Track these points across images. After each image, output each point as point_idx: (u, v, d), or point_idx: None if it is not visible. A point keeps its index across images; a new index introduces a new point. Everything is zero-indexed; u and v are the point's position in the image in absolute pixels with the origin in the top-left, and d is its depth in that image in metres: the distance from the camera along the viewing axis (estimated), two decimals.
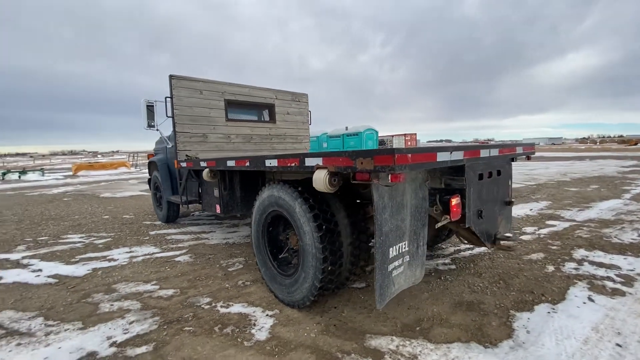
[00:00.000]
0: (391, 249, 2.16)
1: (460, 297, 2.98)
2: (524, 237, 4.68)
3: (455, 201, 2.37)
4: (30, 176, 20.17)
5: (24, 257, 4.49)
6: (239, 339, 2.42)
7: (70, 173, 21.83)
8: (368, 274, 3.51)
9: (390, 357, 2.16)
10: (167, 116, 4.82)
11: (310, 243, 2.48)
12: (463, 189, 2.43)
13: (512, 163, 3.24)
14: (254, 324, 2.62)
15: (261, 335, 2.47)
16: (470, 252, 4.14)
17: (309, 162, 2.31)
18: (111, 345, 2.40)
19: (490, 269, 3.58)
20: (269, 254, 3.07)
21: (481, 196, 2.67)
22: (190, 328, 2.59)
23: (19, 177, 19.95)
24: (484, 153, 2.58)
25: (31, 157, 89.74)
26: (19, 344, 2.45)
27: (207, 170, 3.87)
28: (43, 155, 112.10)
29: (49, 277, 3.76)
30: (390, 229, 2.14)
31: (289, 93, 6.30)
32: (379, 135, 15.80)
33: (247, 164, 2.98)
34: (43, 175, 20.53)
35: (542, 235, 4.75)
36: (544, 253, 4.02)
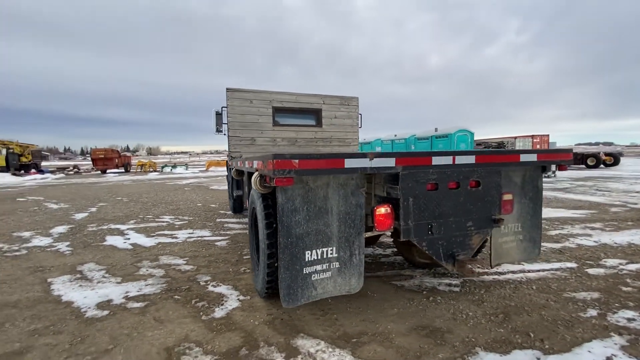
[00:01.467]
0: (307, 252, 2.20)
1: (431, 321, 2.66)
2: (591, 271, 3.64)
3: (381, 211, 2.19)
4: (178, 169, 26.01)
5: (128, 229, 6.11)
6: (201, 313, 2.85)
7: (204, 168, 27.13)
8: None
9: (301, 358, 2.21)
10: (223, 123, 5.73)
11: (262, 239, 2.71)
12: (397, 198, 2.22)
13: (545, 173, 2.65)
14: (222, 304, 3.01)
15: (219, 313, 2.84)
16: (495, 277, 3.51)
17: (255, 164, 2.55)
18: (123, 297, 3.19)
19: (501, 299, 3.00)
20: (254, 246, 3.41)
21: (430, 208, 2.34)
22: (178, 297, 3.18)
23: (171, 170, 26.02)
24: (437, 160, 2.27)
25: (189, 154, 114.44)
26: (80, 285, 3.51)
27: (234, 170, 4.50)
28: (197, 154, 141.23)
29: (130, 244, 5.06)
30: (305, 232, 2.18)
31: (338, 97, 6.47)
32: (475, 137, 14.05)
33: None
34: (186, 170, 26.17)
35: (623, 272, 3.59)
36: (603, 294, 3.08)
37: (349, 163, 2.04)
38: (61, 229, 6.20)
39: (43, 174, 23.67)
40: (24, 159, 24.34)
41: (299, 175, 1.96)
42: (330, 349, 2.30)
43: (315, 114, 6.40)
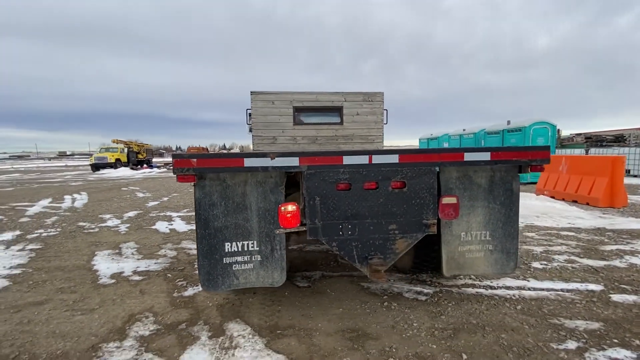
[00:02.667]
0: (227, 243, 2.40)
1: (367, 326, 2.58)
2: (616, 297, 2.92)
3: (288, 209, 2.22)
4: None
5: (177, 216, 7.16)
6: (175, 290, 3.30)
7: None
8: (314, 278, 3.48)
9: (221, 340, 2.43)
10: (247, 124, 6.23)
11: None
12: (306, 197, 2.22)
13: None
14: (197, 285, 3.41)
15: (188, 293, 3.24)
16: (481, 290, 3.12)
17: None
18: (132, 271, 3.87)
19: (464, 315, 2.70)
20: None
21: (341, 208, 2.24)
22: (170, 275, 3.71)
23: None
24: (350, 160, 2.19)
25: None
26: (112, 259, 4.37)
27: None
28: None
29: (169, 229, 5.97)
30: (224, 225, 2.38)
31: (361, 94, 6.35)
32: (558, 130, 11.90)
33: None
34: None
35: None
36: (606, 326, 2.50)
37: (249, 162, 2.15)
38: (132, 213, 7.62)
39: (152, 168, 28.68)
40: (140, 156, 29.89)
41: (198, 173, 2.17)
42: (250, 336, 2.46)
43: (336, 112, 6.41)
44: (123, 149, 27.66)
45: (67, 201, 9.71)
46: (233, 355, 2.24)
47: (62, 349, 2.35)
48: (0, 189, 13.31)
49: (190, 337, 2.47)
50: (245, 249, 2.42)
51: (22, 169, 32.38)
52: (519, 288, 3.19)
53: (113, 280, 3.60)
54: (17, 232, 5.86)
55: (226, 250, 2.41)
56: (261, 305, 2.95)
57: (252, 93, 6.05)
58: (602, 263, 3.81)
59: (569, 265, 3.78)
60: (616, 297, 2.95)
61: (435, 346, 2.31)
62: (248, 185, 2.38)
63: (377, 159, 2.25)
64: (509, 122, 12.23)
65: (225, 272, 2.44)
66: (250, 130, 6.85)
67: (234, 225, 2.39)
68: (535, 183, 9.78)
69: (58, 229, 6.09)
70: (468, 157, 2.34)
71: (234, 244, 2.41)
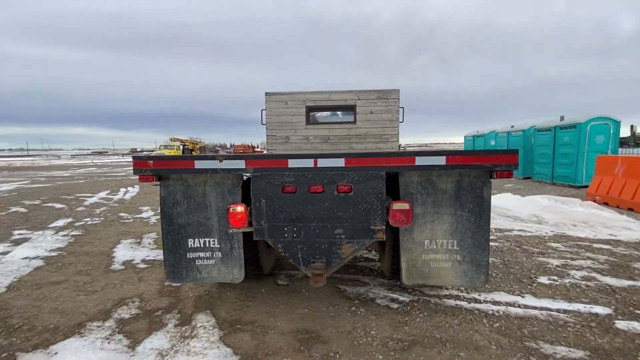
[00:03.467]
0: (190, 239, 2.56)
1: (324, 329, 2.57)
2: (623, 324, 2.53)
3: (235, 209, 2.29)
4: None
5: None
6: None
7: None
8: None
9: (184, 328, 2.61)
10: (262, 124, 6.44)
11: None
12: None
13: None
14: None
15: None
16: (464, 302, 2.91)
17: None
18: (141, 259, 4.27)
19: (431, 328, 2.56)
20: None
21: (286, 211, 2.24)
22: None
23: None
24: (295, 163, 2.19)
25: None
26: (131, 247, 4.86)
27: None
28: None
29: None
30: (187, 222, 2.55)
31: (375, 91, 6.18)
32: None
33: None
34: None
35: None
36: (590, 355, 2.19)
37: (199, 164, 2.26)
38: None
39: None
40: (193, 153, 32.38)
41: (155, 174, 2.34)
42: (211, 328, 2.61)
43: (349, 111, 6.32)
44: (179, 147, 30.19)
45: (120, 194, 10.93)
46: (187, 344, 2.40)
47: (55, 323, 2.72)
48: (75, 182, 15.40)
49: (160, 324, 2.69)
50: (207, 245, 2.57)
51: (99, 163, 37.01)
52: (507, 304, 2.91)
53: (122, 267, 4.03)
54: (69, 220, 6.79)
55: (189, 246, 2.58)
56: (235, 300, 3.09)
57: (266, 94, 6.25)
58: (626, 283, 3.29)
59: (584, 283, 3.33)
60: (622, 324, 2.55)
61: (381, 357, 2.23)
62: (207, 186, 2.51)
63: (323, 163, 2.23)
64: (562, 118, 10.94)
65: (189, 266, 2.61)
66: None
67: (196, 222, 2.55)
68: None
69: (101, 218, 6.92)
70: (420, 161, 2.20)
71: (196, 240, 2.56)
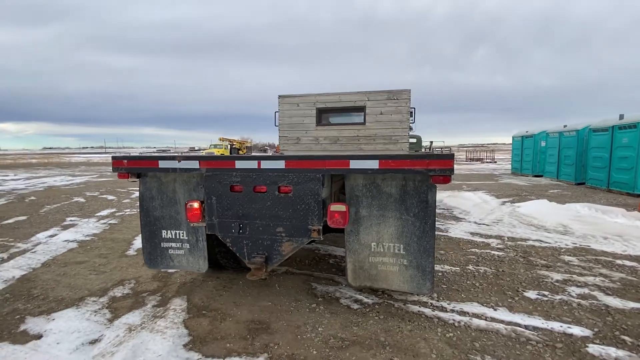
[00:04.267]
0: (164, 231, 2.88)
1: (276, 322, 2.71)
2: (595, 349, 2.29)
3: (192, 205, 2.52)
4: None
5: None
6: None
7: None
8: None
9: (158, 310, 2.93)
10: (275, 125, 6.71)
11: None
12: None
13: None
14: None
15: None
16: (433, 311, 2.84)
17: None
18: None
19: (380, 332, 2.57)
20: None
21: (234, 208, 2.40)
22: None
23: None
24: (241, 164, 2.36)
25: None
26: None
27: None
28: None
29: None
30: (161, 215, 2.86)
31: (385, 92, 6.09)
32: None
33: None
34: None
35: None
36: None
37: (162, 164, 2.54)
38: None
39: None
40: (240, 152, 34.22)
41: (129, 172, 2.66)
42: (180, 311, 2.90)
43: (359, 112, 6.31)
44: (227, 146, 32.16)
45: None
46: (154, 323, 2.72)
47: (63, 296, 3.24)
48: None
49: (141, 303, 3.06)
50: (177, 237, 2.86)
51: None
52: (474, 315, 2.78)
53: (135, 253, 4.56)
54: (113, 210, 7.75)
55: (163, 237, 2.89)
56: (212, 288, 3.36)
57: (279, 97, 6.51)
58: (630, 305, 2.91)
59: (577, 301, 3.02)
60: (594, 348, 2.30)
61: (316, 352, 2.31)
62: (177, 183, 2.80)
63: (266, 164, 2.36)
64: (621, 117, 9.63)
65: (162, 254, 2.93)
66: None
67: (168, 216, 2.85)
68: None
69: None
70: (354, 165, 2.22)
71: (168, 232, 2.87)
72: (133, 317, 2.80)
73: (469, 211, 7.16)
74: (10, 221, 6.56)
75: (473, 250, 4.52)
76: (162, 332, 2.57)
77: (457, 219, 6.48)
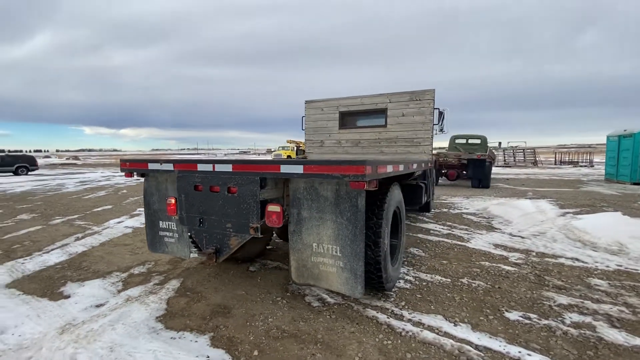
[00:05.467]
0: (160, 221, 3.44)
1: (237, 307, 3.02)
2: None
3: (170, 201, 2.96)
4: None
5: None
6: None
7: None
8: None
9: (159, 287, 3.51)
10: (302, 129, 7.04)
11: None
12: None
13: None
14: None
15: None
16: (380, 314, 2.83)
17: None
18: None
19: (324, 329, 2.67)
20: None
21: (195, 205, 2.74)
22: None
23: None
24: (201, 167, 2.72)
25: None
26: None
27: None
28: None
29: None
30: (158, 208, 3.43)
31: (407, 93, 5.89)
32: None
33: None
34: None
35: None
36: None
37: (151, 166, 3.05)
38: None
39: None
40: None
41: (130, 171, 3.25)
42: (170, 290, 3.42)
43: (380, 114, 6.22)
44: (293, 148, 33.85)
45: None
46: (147, 297, 3.28)
47: (100, 269, 4.08)
48: None
49: (147, 281, 3.69)
50: (169, 227, 3.39)
51: None
52: (427, 328, 2.66)
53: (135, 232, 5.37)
54: None
55: (160, 226, 3.46)
56: (207, 275, 3.84)
57: (305, 102, 6.85)
58: (632, 342, 2.42)
59: (565, 329, 2.63)
60: None
61: (252, 338, 2.55)
62: (168, 182, 3.32)
63: (218, 167, 2.68)
64: None
65: (160, 241, 3.49)
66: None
67: (163, 209, 3.40)
68: None
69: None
70: (284, 169, 2.37)
71: (164, 222, 3.42)
72: (135, 291, 3.42)
73: (512, 221, 6.41)
74: (99, 209, 8.25)
75: (483, 263, 4.15)
76: (148, 304, 3.11)
77: (490, 229, 5.90)
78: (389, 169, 2.75)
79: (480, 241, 5.13)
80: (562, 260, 4.22)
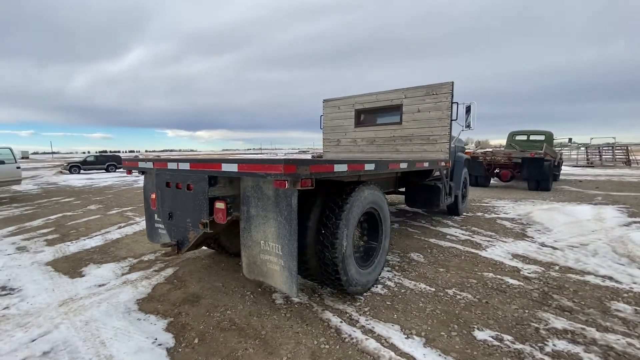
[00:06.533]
0: (155, 214, 3.81)
1: (207, 297, 3.20)
2: None
3: (152, 197, 3.26)
4: None
5: None
6: None
7: None
8: None
9: (155, 272, 3.89)
10: (320, 128, 7.03)
11: None
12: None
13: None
14: None
15: None
16: (334, 318, 2.75)
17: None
18: None
19: (272, 327, 2.71)
20: None
21: (166, 201, 2.95)
22: None
23: None
24: (170, 165, 2.95)
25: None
26: None
27: None
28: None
29: None
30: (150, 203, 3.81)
31: (423, 87, 5.49)
32: None
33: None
34: None
35: None
36: None
37: (140, 164, 3.39)
38: None
39: None
40: None
41: (128, 169, 3.64)
42: (161, 277, 3.77)
43: (395, 111, 5.88)
44: None
45: None
46: (140, 282, 3.66)
47: (120, 255, 4.66)
48: None
49: (148, 267, 4.11)
50: (159, 219, 3.73)
51: None
52: (376, 337, 2.52)
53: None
54: None
55: (155, 219, 3.82)
56: (200, 266, 4.13)
57: (323, 101, 6.87)
58: None
59: (540, 357, 2.24)
60: None
61: (202, 327, 2.70)
62: (154, 179, 3.66)
63: (181, 166, 2.86)
64: None
65: (156, 232, 3.86)
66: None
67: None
68: None
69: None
70: (225, 167, 2.43)
71: (157, 215, 3.78)
72: (134, 275, 3.85)
73: (552, 229, 5.56)
74: None
75: (485, 274, 3.71)
76: (137, 288, 3.48)
77: (520, 237, 5.21)
78: (341, 167, 2.64)
79: (499, 250, 4.57)
80: (588, 278, 3.55)
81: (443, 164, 5.06)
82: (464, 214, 7.09)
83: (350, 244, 2.92)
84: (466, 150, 11.09)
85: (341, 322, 2.73)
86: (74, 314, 2.93)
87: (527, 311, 2.86)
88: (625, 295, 3.14)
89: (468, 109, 5.50)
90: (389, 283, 3.49)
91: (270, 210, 2.53)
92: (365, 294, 3.23)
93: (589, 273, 3.70)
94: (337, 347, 2.41)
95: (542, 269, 3.86)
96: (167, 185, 3.15)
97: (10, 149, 10.96)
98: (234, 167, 2.41)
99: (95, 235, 5.67)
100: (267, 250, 2.64)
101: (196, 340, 2.52)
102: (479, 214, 7.15)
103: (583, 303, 3.00)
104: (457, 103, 5.29)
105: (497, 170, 11.85)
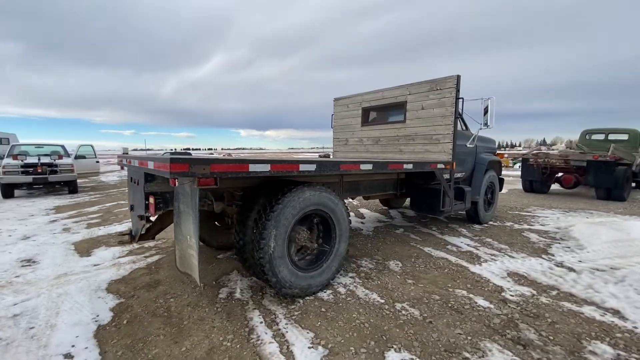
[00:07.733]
0: None
1: (182, 293, 3.46)
2: None
3: (128, 190, 3.63)
4: None
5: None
6: None
7: None
8: None
9: (150, 257, 4.34)
10: (331, 128, 6.91)
11: None
12: None
13: None
14: None
15: None
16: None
17: None
18: None
19: (230, 327, 2.83)
20: None
21: (131, 194, 3.25)
22: None
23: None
24: (133, 162, 3.26)
25: None
26: None
27: None
28: None
29: None
30: None
31: (427, 83, 5.01)
32: None
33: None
34: None
35: None
36: None
37: (124, 161, 3.80)
38: None
39: None
40: None
41: (120, 165, 4.09)
42: (148, 263, 4.18)
43: (399, 109, 5.46)
44: None
45: None
46: (126, 265, 4.12)
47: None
48: None
49: (145, 254, 4.59)
50: None
51: None
52: (281, 342, 2.45)
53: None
54: None
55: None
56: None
57: (334, 100, 6.79)
58: None
59: None
60: None
61: (140, 310, 2.94)
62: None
63: (133, 163, 3.14)
64: None
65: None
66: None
67: None
68: None
69: None
70: (150, 165, 2.58)
71: None
72: (125, 259, 4.34)
73: (586, 247, 4.62)
74: None
75: (458, 291, 3.29)
76: (118, 270, 3.93)
77: (537, 253, 4.46)
78: (259, 168, 2.61)
79: (495, 266, 3.98)
80: (585, 310, 2.89)
81: (442, 165, 4.59)
82: (490, 222, 6.31)
83: (283, 245, 2.87)
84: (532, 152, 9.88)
85: (261, 322, 2.72)
86: (57, 287, 3.44)
87: (469, 338, 2.47)
88: (619, 335, 2.48)
89: (485, 106, 4.89)
90: (340, 289, 3.33)
91: (188, 206, 2.64)
92: (307, 297, 3.14)
93: (591, 303, 3.01)
94: (238, 346, 2.41)
95: (534, 292, 3.26)
96: (131, 180, 3.51)
97: (92, 146, 13.11)
98: (151, 165, 2.59)
99: (126, 222, 6.50)
100: (190, 245, 2.76)
101: (125, 322, 2.77)
102: (509, 223, 6.28)
103: (551, 338, 2.46)
104: (462, 99, 4.73)
105: (558, 175, 10.22)
